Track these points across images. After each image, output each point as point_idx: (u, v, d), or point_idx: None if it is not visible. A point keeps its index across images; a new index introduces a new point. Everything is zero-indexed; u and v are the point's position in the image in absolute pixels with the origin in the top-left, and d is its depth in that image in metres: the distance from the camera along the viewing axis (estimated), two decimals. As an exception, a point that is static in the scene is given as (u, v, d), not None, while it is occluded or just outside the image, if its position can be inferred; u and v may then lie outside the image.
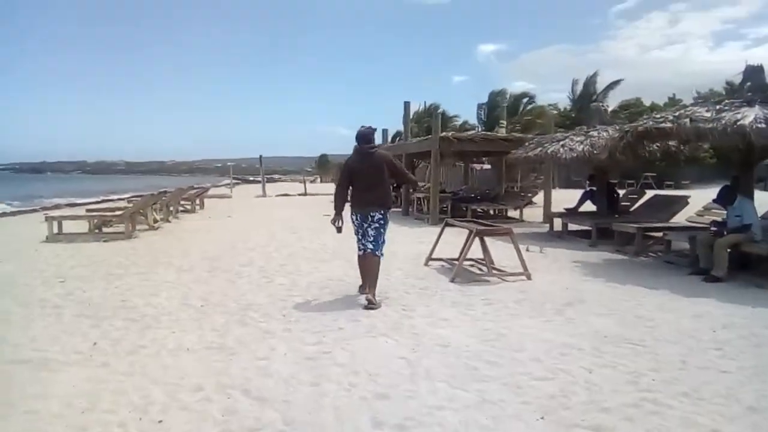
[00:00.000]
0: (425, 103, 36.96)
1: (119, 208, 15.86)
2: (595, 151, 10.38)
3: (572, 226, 12.36)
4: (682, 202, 11.44)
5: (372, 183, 6.33)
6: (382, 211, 6.39)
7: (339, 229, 6.50)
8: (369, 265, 6.37)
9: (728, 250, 7.72)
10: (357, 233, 6.49)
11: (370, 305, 6.05)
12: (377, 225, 6.36)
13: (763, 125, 6.91)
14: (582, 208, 13.49)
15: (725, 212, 8.56)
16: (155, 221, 14.42)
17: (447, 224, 8.50)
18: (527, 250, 10.16)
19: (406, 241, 11.01)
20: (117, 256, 9.75)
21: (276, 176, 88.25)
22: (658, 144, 10.56)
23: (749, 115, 7.09)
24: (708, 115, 7.44)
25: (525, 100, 34.06)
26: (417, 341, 4.97)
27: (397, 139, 29.37)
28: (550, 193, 15.99)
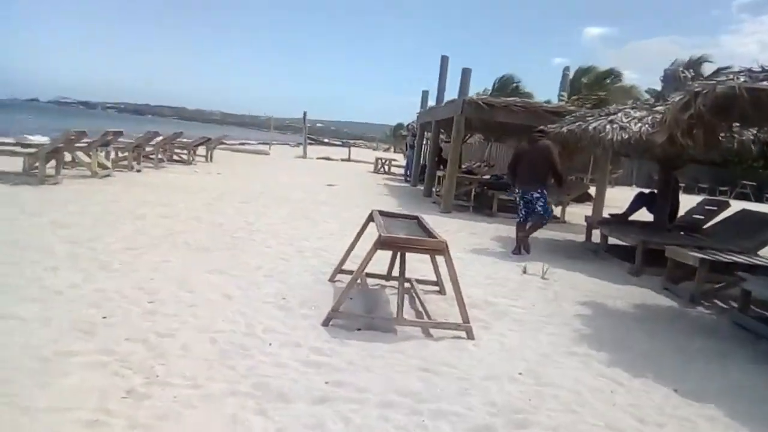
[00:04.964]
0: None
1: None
2: (651, 130, 6.77)
3: (617, 240, 8.72)
4: (783, 225, 7.62)
5: (531, 166, 7.81)
6: (539, 190, 7.81)
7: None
8: (533, 223, 7.93)
9: None
10: (518, 204, 8.12)
11: (523, 250, 7.89)
12: (542, 201, 7.80)
13: None
14: (636, 216, 9.83)
15: None
16: (102, 167, 11.79)
17: (371, 219, 5.22)
18: (524, 272, 6.77)
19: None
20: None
21: (360, 142, 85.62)
22: (757, 129, 6.78)
23: None
24: None
25: (611, 78, 29.35)
26: None
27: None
28: (604, 189, 12.26)
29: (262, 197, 11.05)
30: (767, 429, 3.32)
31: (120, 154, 13.67)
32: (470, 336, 4.20)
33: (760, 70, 4.55)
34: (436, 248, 4.17)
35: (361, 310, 4.55)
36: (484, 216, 12.01)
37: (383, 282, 5.40)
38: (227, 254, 6.09)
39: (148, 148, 15.13)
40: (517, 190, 8.10)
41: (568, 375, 3.76)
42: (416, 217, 5.31)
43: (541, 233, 9.93)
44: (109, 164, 12.29)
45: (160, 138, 15.58)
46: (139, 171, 13.32)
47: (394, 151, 66.49)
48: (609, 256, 8.49)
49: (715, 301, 6.43)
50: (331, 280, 5.35)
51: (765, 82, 4.33)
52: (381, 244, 4.09)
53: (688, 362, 4.32)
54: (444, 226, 9.94)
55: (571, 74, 29.81)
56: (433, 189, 15.13)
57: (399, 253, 4.55)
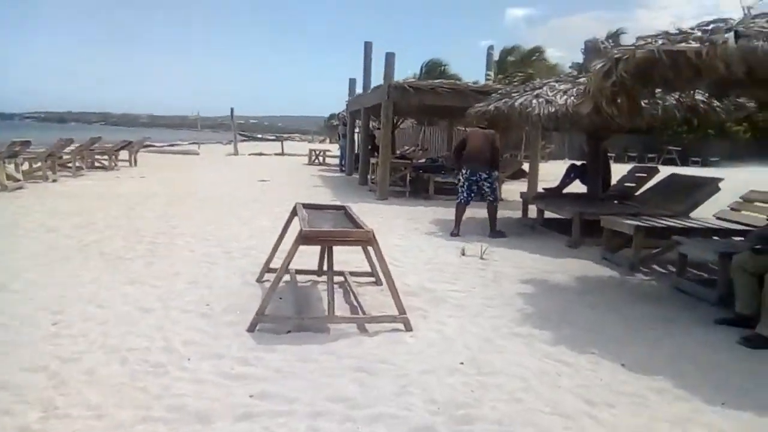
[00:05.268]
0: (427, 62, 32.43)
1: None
2: (576, 102, 6.69)
3: (553, 214, 8.68)
4: (711, 186, 7.71)
5: (481, 147, 7.96)
6: (488, 170, 7.95)
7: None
8: (490, 211, 8.10)
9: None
10: (462, 185, 8.07)
11: (501, 235, 7.85)
12: (489, 181, 7.96)
13: None
14: (570, 189, 9.86)
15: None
16: (12, 179, 11.00)
17: (295, 213, 4.90)
18: (463, 254, 6.59)
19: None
20: None
21: (295, 135, 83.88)
22: (679, 95, 6.79)
23: None
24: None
25: (536, 55, 29.74)
26: None
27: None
28: (537, 165, 12.28)
29: (189, 199, 10.54)
30: (716, 395, 3.21)
31: (33, 165, 12.82)
32: (408, 327, 3.96)
33: (677, 32, 4.46)
34: (363, 239, 3.90)
35: (291, 310, 4.24)
36: (421, 200, 11.86)
37: (315, 278, 5.10)
38: (146, 262, 5.66)
39: (65, 156, 14.29)
40: (464, 171, 8.06)
41: (511, 360, 3.57)
42: (343, 207, 5.02)
43: (478, 212, 9.85)
44: (19, 176, 11.49)
45: (76, 145, 14.72)
46: (54, 181, 12.51)
47: (330, 142, 65.65)
48: (546, 231, 8.44)
49: (654, 266, 6.44)
50: (259, 280, 5.01)
51: (682, 44, 4.23)
52: (303, 239, 3.78)
53: (632, 332, 4.22)
54: (381, 213, 9.73)
55: (497, 55, 30.04)
56: (369, 177, 14.88)
57: (326, 247, 4.26)
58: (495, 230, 7.96)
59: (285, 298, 4.49)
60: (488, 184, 7.99)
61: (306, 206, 4.91)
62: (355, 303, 4.42)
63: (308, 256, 5.23)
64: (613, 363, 3.60)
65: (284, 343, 3.66)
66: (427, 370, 3.33)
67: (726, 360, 3.77)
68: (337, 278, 4.99)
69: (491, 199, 8.04)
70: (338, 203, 6.00)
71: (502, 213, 9.65)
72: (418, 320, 4.15)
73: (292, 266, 5.01)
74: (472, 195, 8.08)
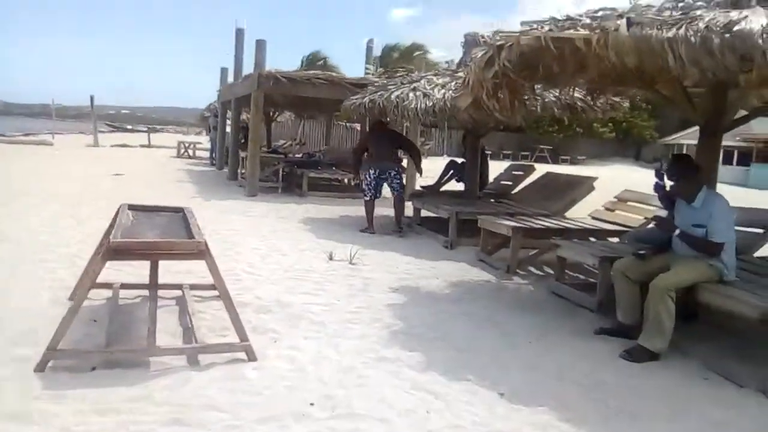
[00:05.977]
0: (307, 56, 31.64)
1: None
2: (455, 95, 6.25)
3: (429, 212, 8.27)
4: (586, 186, 7.59)
5: (388, 145, 8.11)
6: (397, 168, 8.12)
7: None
8: (398, 207, 8.02)
9: (672, 296, 3.77)
10: (370, 184, 7.97)
11: (401, 233, 7.75)
12: (398, 178, 8.06)
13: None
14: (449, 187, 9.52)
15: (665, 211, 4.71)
16: None
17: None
18: (330, 258, 5.94)
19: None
20: None
21: (170, 127, 79.31)
22: (559, 93, 6.54)
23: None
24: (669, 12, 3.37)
25: (418, 53, 29.74)
26: None
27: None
28: (417, 162, 11.87)
29: (24, 196, 9.10)
30: (602, 427, 2.77)
31: None
32: (251, 357, 3.23)
33: (565, 18, 4.05)
34: (191, 251, 3.11)
35: (103, 339, 3.37)
36: (294, 197, 11.12)
37: (147, 293, 4.23)
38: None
39: None
40: (372, 171, 7.94)
41: (374, 395, 2.95)
42: (181, 210, 4.18)
43: (354, 211, 9.27)
44: None
45: None
46: None
47: (206, 134, 62.67)
48: (423, 230, 8.02)
49: (531, 269, 6.13)
50: (72, 298, 4.06)
51: (571, 31, 3.81)
52: (112, 252, 2.94)
53: (511, 348, 3.76)
54: (247, 211, 8.93)
55: (380, 51, 29.70)
56: (239, 171, 13.91)
57: (153, 262, 3.44)
58: (400, 226, 7.91)
59: (102, 321, 3.61)
60: (397, 180, 8.01)
61: (134, 208, 4.03)
62: (191, 326, 3.63)
63: (141, 265, 4.37)
64: (490, 392, 3.08)
65: (82, 386, 2.82)
66: (267, 418, 2.63)
67: (610, 379, 3.39)
68: (174, 293, 4.19)
69: (399, 192, 8.03)
70: (179, 205, 5.07)
71: (379, 211, 9.14)
72: (266, 345, 3.45)
73: (117, 279, 4.16)
74: (380, 192, 8.07)
